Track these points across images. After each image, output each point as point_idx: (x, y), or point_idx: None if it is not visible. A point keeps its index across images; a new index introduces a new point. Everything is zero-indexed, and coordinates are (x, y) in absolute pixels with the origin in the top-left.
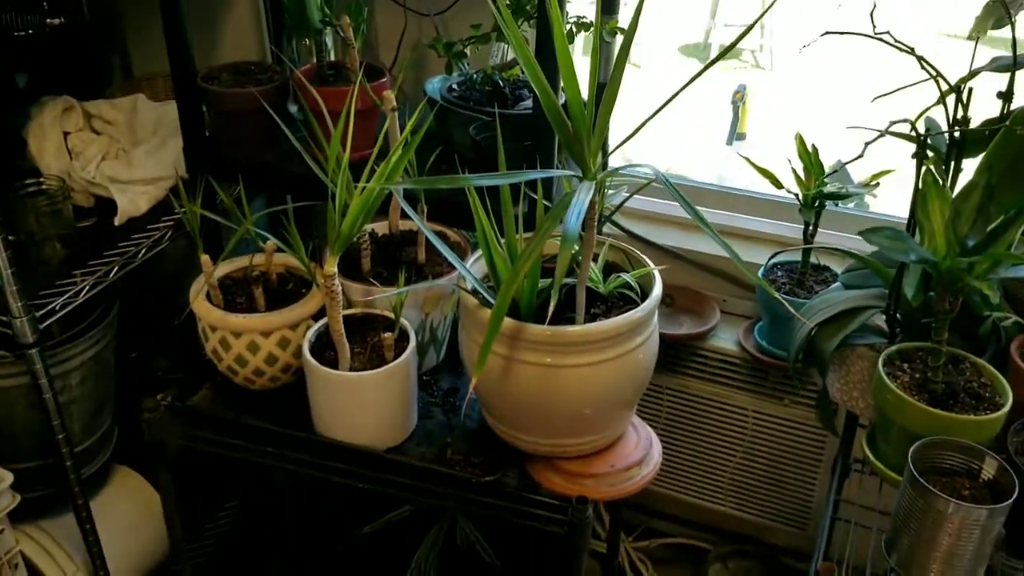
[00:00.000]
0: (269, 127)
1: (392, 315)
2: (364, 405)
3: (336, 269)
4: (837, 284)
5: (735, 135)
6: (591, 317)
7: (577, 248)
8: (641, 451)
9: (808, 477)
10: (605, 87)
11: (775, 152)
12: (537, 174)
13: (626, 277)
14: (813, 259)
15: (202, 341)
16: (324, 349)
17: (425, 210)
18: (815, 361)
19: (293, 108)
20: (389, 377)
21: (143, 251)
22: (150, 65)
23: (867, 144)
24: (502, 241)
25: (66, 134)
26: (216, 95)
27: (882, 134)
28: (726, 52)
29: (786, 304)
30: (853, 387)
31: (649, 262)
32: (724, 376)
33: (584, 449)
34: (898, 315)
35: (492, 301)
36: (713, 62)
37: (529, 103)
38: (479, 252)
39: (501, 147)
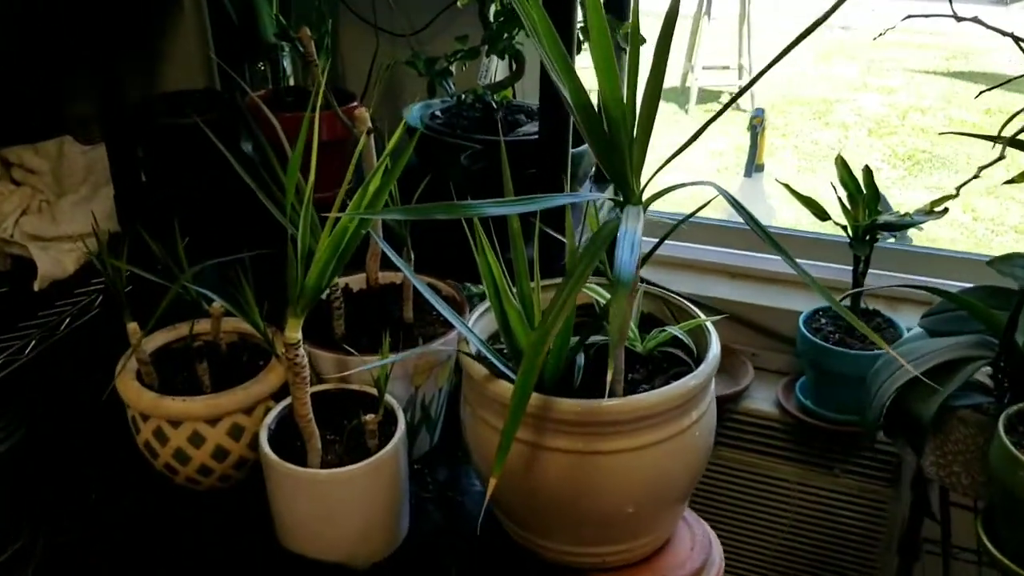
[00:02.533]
0: (217, 167)
1: (374, 391)
2: (341, 510)
3: (300, 335)
4: (916, 332)
5: (753, 166)
6: (630, 385)
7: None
8: (699, 556)
9: (865, 560)
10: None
11: (799, 184)
12: (565, 198)
13: (673, 331)
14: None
15: (132, 432)
16: (288, 438)
17: (412, 257)
18: (903, 429)
19: (247, 146)
20: (374, 473)
21: (67, 320)
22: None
23: (981, 168)
24: (513, 291)
25: None
26: (150, 131)
27: (1012, 141)
28: (751, 84)
29: (897, 357)
30: (953, 460)
31: (698, 311)
32: (762, 443)
33: (627, 558)
34: (1007, 367)
35: (505, 370)
36: (737, 96)
37: (528, 128)
38: (483, 307)
39: (508, 174)
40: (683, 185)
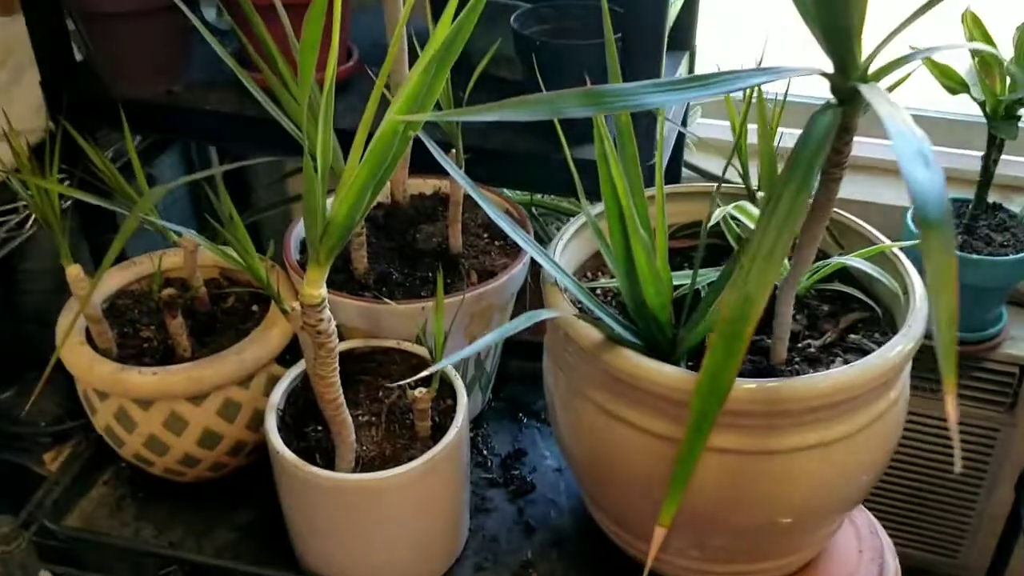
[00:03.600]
0: (176, 40)
1: (417, 348)
2: (385, 524)
3: (325, 291)
4: None
5: None
6: (790, 341)
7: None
8: (871, 565)
9: (966, 492)
10: None
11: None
12: (757, 76)
13: (847, 261)
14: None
15: (86, 411)
16: (305, 419)
17: (463, 160)
18: None
19: (211, 13)
20: (430, 473)
21: None
22: None
23: None
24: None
25: None
26: None
27: None
28: None
29: None
30: None
31: (881, 236)
32: None
33: (776, 574)
34: None
35: (619, 330)
36: None
37: None
38: (570, 230)
39: (611, 33)
40: (918, 54)
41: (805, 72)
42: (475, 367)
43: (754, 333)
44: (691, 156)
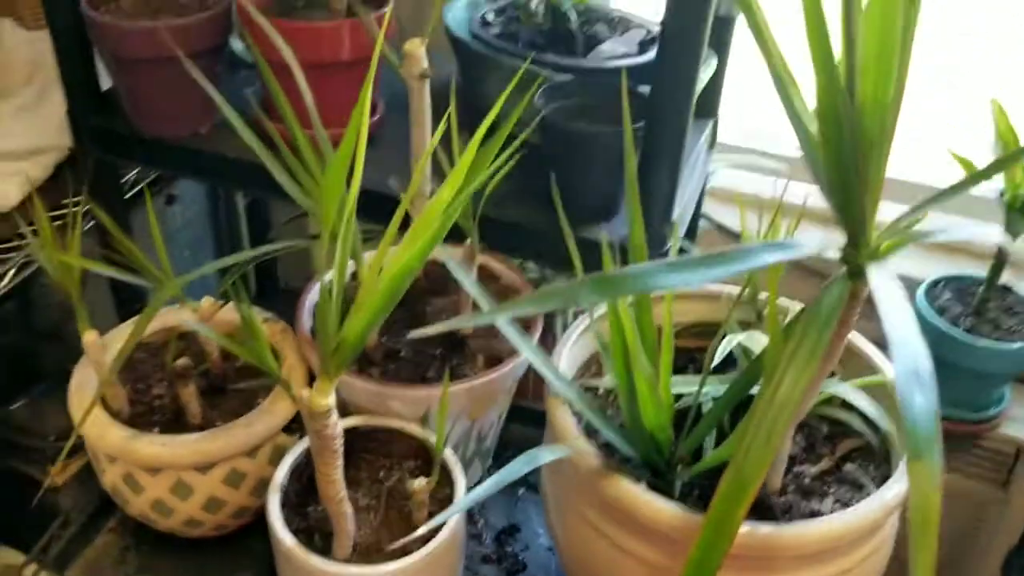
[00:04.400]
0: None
1: (418, 432)
2: None
3: (333, 400)
4: None
5: None
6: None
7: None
8: None
9: (954, 568)
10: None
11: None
12: (776, 252)
13: (845, 393)
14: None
15: (95, 467)
16: (307, 500)
17: (477, 252)
18: None
19: (238, 45)
20: (426, 568)
21: (12, 272)
22: None
23: None
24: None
25: None
26: (114, 33)
27: None
28: None
29: None
30: None
31: (883, 360)
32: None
33: None
34: None
35: (618, 442)
36: None
37: (613, 48)
38: (574, 333)
39: (630, 134)
40: (929, 236)
41: (818, 250)
42: (476, 443)
43: None
44: (708, 204)
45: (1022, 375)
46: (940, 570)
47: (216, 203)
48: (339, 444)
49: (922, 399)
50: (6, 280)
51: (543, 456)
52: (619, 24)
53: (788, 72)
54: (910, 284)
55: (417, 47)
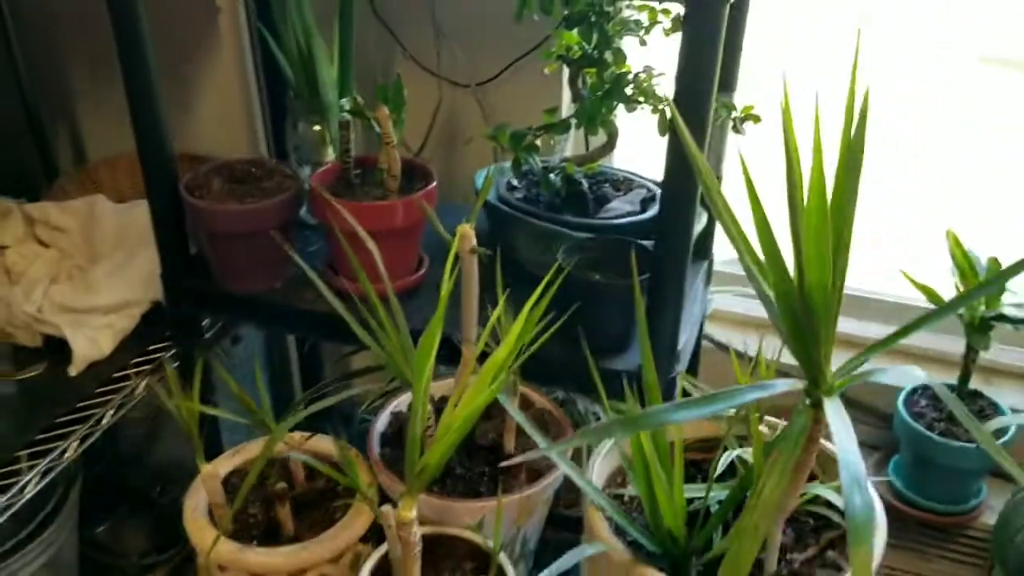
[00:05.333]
0: (279, 249)
1: (475, 537)
2: None
3: (416, 514)
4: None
5: None
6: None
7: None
8: None
9: None
10: None
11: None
12: (754, 392)
13: (824, 493)
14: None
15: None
16: None
17: (518, 384)
18: None
19: (305, 212)
20: None
21: (110, 413)
22: (109, 144)
23: None
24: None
25: (1, 248)
26: (208, 214)
27: None
28: None
29: None
30: None
31: None
32: None
33: None
34: None
35: (641, 539)
36: None
37: (620, 207)
38: (603, 450)
39: (639, 293)
40: (878, 370)
41: (789, 389)
42: (521, 546)
43: None
44: (709, 326)
45: (995, 470)
46: None
47: (271, 343)
48: (419, 550)
49: (860, 499)
50: (105, 420)
51: (586, 551)
52: (623, 184)
53: (756, 261)
54: (892, 390)
55: (469, 230)
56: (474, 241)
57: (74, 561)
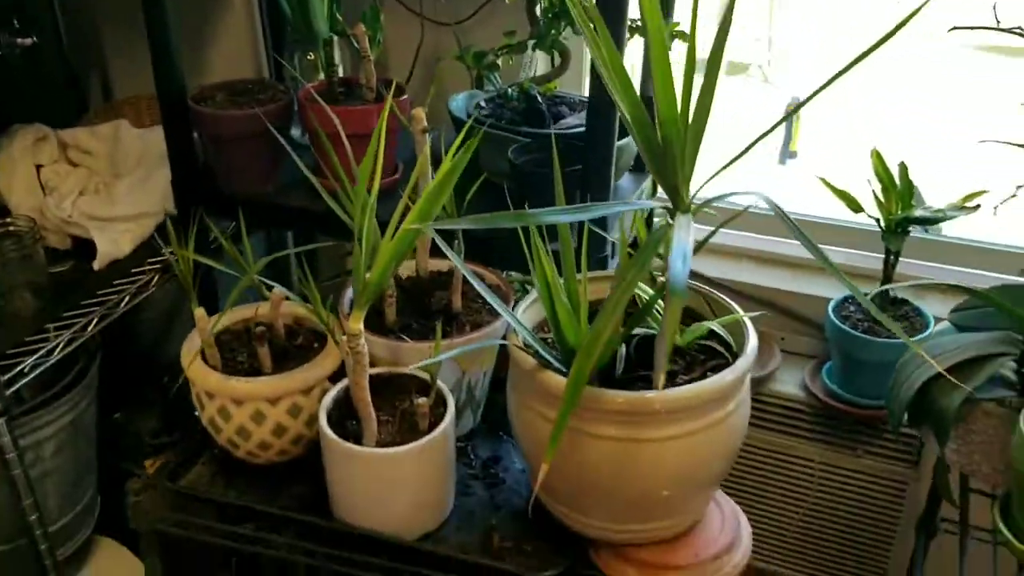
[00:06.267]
0: (271, 154)
1: (425, 375)
2: (395, 485)
3: (362, 326)
4: (944, 326)
5: (787, 153)
6: (669, 376)
7: (652, 292)
8: (728, 534)
9: (883, 539)
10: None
11: (834, 172)
12: (619, 207)
13: (711, 326)
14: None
15: (196, 408)
16: (344, 418)
17: (463, 249)
18: (928, 419)
19: (296, 132)
20: (426, 451)
21: (126, 299)
22: (133, 86)
23: None
24: (561, 285)
25: (38, 167)
26: (211, 118)
27: None
28: (804, 104)
29: (923, 355)
30: (975, 449)
31: (736, 307)
32: (788, 425)
33: (662, 535)
34: None
35: (551, 360)
36: (794, 111)
37: (571, 121)
38: (531, 298)
39: (559, 173)
40: (731, 194)
41: (653, 205)
42: (466, 393)
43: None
44: None
45: None
46: (868, 541)
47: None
48: (366, 360)
49: (680, 266)
50: (122, 305)
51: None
52: (578, 106)
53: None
54: (824, 301)
55: (420, 112)
56: (425, 123)
57: (93, 426)
